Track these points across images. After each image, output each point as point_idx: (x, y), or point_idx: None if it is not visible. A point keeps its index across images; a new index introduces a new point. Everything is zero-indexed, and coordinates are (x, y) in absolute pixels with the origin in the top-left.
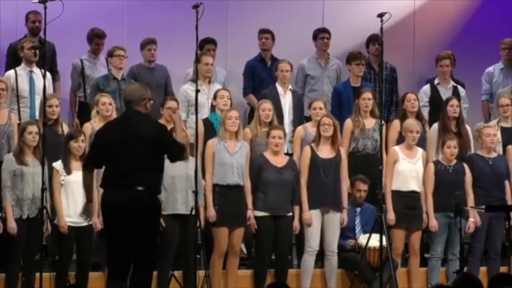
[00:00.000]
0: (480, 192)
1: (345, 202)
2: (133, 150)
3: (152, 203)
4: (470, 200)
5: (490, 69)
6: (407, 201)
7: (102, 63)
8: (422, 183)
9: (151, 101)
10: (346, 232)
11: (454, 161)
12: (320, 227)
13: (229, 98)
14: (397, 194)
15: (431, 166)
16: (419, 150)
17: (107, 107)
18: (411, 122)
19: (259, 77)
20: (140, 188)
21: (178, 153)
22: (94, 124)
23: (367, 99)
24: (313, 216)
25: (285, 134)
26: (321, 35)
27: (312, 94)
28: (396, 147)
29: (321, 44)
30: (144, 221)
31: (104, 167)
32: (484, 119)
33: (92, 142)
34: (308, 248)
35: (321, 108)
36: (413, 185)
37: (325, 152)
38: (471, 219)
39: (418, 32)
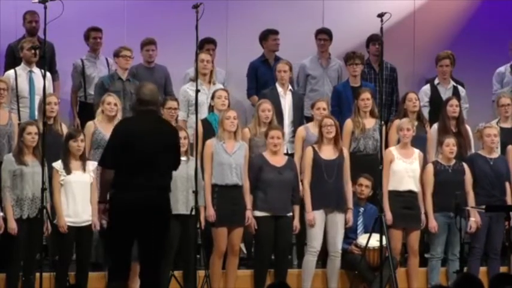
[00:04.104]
0: (480, 192)
1: (350, 203)
2: (153, 150)
3: (167, 202)
4: (471, 200)
5: (501, 69)
6: (404, 201)
7: (103, 63)
8: (419, 183)
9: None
10: (349, 233)
11: (453, 161)
12: (323, 228)
13: (227, 98)
14: (394, 194)
15: (431, 166)
16: (416, 151)
17: (111, 107)
18: (403, 121)
19: (263, 77)
20: (158, 188)
21: (179, 161)
22: (97, 123)
23: (366, 99)
24: (316, 217)
25: (283, 134)
26: (319, 35)
27: (313, 94)
28: (392, 148)
29: (318, 45)
30: (161, 220)
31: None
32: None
33: (111, 138)
34: (310, 248)
35: (324, 109)
36: (410, 184)
37: (327, 153)
38: (472, 219)
39: (418, 32)
